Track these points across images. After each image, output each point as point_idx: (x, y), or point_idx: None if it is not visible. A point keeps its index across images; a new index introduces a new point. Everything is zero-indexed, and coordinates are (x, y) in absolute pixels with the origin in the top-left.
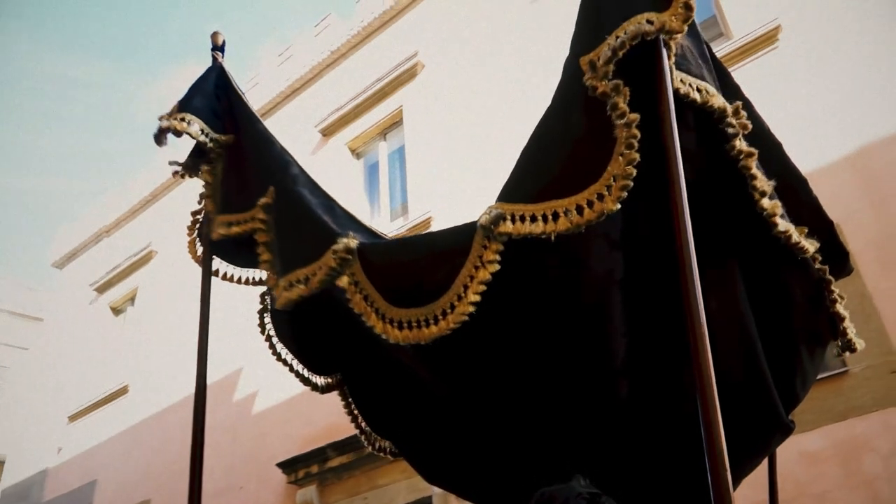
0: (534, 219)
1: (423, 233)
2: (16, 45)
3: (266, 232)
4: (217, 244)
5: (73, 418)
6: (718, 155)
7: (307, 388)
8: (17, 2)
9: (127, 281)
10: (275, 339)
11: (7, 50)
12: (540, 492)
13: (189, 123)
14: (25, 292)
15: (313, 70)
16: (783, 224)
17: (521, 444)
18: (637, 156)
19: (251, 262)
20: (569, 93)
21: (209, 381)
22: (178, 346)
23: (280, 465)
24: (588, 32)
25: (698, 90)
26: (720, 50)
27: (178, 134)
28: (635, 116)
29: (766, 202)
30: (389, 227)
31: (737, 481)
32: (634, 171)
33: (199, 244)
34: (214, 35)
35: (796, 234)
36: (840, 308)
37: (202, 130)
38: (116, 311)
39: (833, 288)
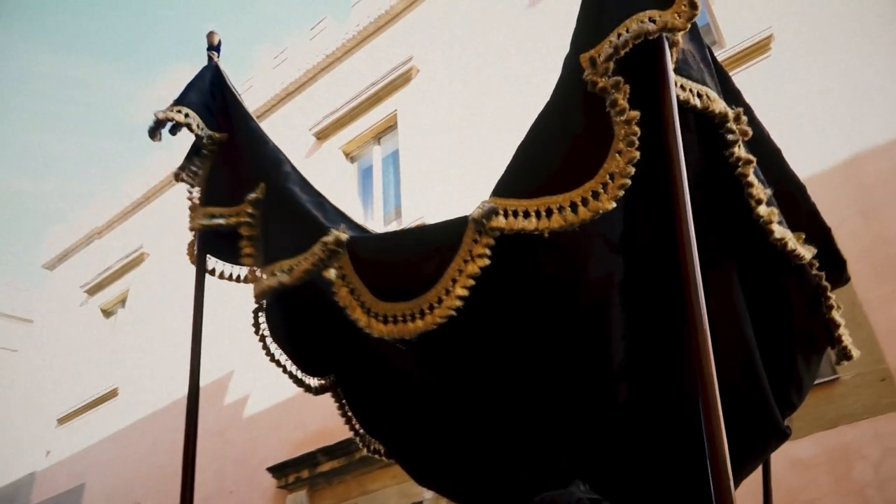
0: (527, 214)
1: (414, 227)
2: (9, 44)
3: (252, 227)
4: (211, 242)
5: (62, 421)
6: (717, 158)
7: (298, 393)
8: (13, 2)
9: (118, 283)
10: (269, 340)
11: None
12: (540, 497)
13: (186, 115)
14: (15, 293)
15: (308, 73)
16: (779, 231)
17: (516, 446)
18: (637, 154)
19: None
20: (568, 89)
21: (200, 384)
22: (169, 349)
23: (270, 469)
24: (589, 29)
25: (699, 95)
26: None
27: (174, 130)
28: (635, 114)
29: (762, 209)
30: (382, 231)
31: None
32: (633, 170)
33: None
34: (210, 35)
35: (792, 242)
36: (836, 315)
37: (197, 125)
38: (107, 313)
39: (829, 294)
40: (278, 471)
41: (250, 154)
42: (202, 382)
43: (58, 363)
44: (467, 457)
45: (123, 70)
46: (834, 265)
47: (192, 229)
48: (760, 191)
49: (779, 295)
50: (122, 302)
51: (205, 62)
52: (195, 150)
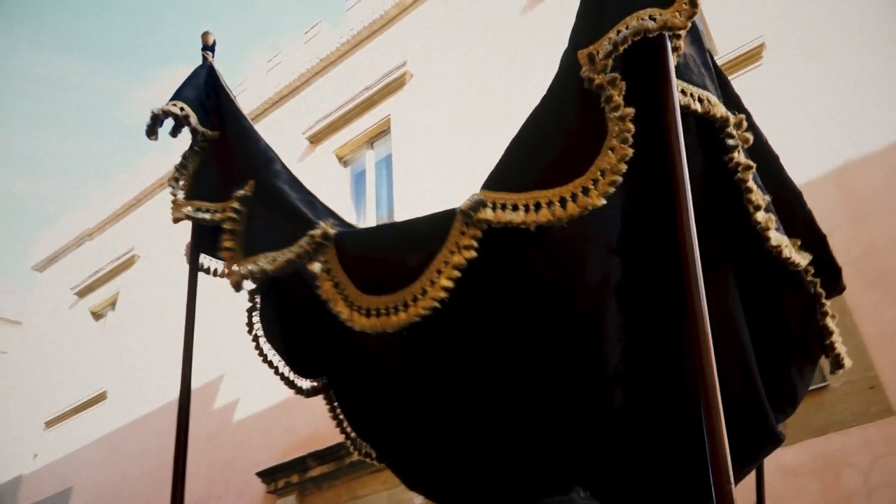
0: (515, 208)
1: (404, 220)
2: (4, 45)
3: (236, 222)
4: (206, 242)
5: (49, 424)
6: (716, 163)
7: (289, 397)
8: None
9: (108, 285)
10: (262, 340)
11: None
12: None
13: (182, 109)
14: (4, 295)
15: (302, 77)
16: (776, 238)
17: (509, 449)
18: (630, 151)
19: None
20: (565, 85)
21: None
22: (159, 353)
23: (260, 474)
24: (589, 27)
25: (699, 100)
26: None
27: (175, 132)
28: (630, 110)
29: (760, 215)
30: None
31: None
32: (625, 167)
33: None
34: (205, 35)
35: (788, 249)
36: (830, 323)
37: (193, 120)
38: (97, 315)
39: (824, 301)
40: (268, 475)
41: (241, 152)
42: (193, 387)
43: (46, 366)
44: (459, 460)
45: (117, 71)
46: (829, 273)
47: (175, 221)
48: (759, 197)
49: (774, 301)
50: (112, 304)
51: (199, 64)
52: (189, 148)
